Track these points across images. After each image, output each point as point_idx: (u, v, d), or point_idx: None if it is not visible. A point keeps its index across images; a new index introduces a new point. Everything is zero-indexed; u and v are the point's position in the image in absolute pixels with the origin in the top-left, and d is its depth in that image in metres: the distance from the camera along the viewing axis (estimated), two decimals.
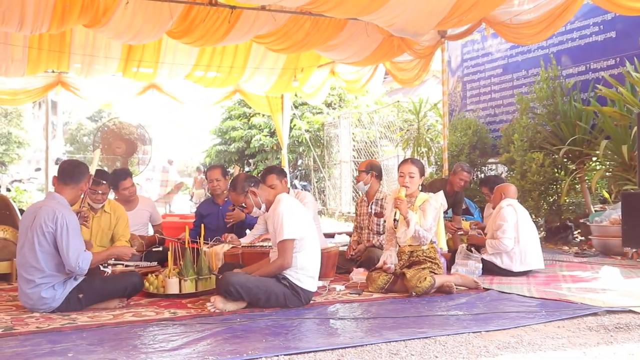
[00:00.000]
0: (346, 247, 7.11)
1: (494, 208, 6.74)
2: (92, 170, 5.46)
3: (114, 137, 10.96)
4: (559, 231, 9.34)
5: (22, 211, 6.23)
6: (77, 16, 7.15)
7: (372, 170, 6.92)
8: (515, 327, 4.17)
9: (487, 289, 5.62)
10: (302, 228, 4.94)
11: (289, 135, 16.20)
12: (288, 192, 6.41)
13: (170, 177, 16.01)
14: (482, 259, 6.36)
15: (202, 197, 20.71)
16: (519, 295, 5.32)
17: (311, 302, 5.06)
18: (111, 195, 6.88)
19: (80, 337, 4.05)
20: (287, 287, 4.87)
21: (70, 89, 10.99)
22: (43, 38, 8.77)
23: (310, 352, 3.62)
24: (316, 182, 18.78)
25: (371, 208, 6.89)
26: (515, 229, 6.33)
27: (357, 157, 16.90)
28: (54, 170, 5.17)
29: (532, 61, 10.16)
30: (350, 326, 4.37)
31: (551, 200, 9.27)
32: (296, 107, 17.66)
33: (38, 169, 23.89)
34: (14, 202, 8.49)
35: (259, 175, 6.73)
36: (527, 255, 6.35)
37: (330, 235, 9.04)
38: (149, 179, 15.29)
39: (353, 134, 17.20)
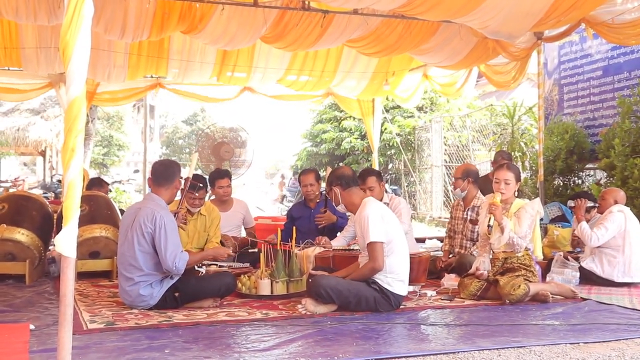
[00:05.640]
0: (439, 252, 7.00)
1: (601, 213, 6.45)
2: (190, 174, 5.65)
3: (210, 142, 11.23)
4: None
5: (122, 211, 6.47)
6: (175, 23, 7.38)
7: (468, 176, 6.72)
8: (617, 340, 4.01)
9: (585, 299, 5.44)
10: (389, 231, 4.92)
11: (380, 138, 16.16)
12: (383, 197, 6.42)
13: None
14: (581, 267, 6.15)
15: (282, 200, 21.30)
16: (619, 306, 5.12)
17: (402, 306, 5.03)
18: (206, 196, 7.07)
19: (176, 334, 4.18)
20: (378, 291, 4.87)
21: (167, 88, 11.33)
22: (142, 45, 9.08)
23: (401, 357, 3.61)
24: (407, 186, 18.65)
25: (467, 214, 6.74)
26: (621, 237, 6.08)
27: (449, 161, 16.68)
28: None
29: (635, 62, 9.71)
30: (441, 332, 4.32)
31: None
32: (387, 111, 17.61)
33: (136, 171, 24.77)
34: (115, 202, 8.85)
35: (357, 175, 6.73)
36: (632, 266, 6.07)
37: (421, 240, 8.95)
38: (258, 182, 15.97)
39: (445, 137, 16.98)
